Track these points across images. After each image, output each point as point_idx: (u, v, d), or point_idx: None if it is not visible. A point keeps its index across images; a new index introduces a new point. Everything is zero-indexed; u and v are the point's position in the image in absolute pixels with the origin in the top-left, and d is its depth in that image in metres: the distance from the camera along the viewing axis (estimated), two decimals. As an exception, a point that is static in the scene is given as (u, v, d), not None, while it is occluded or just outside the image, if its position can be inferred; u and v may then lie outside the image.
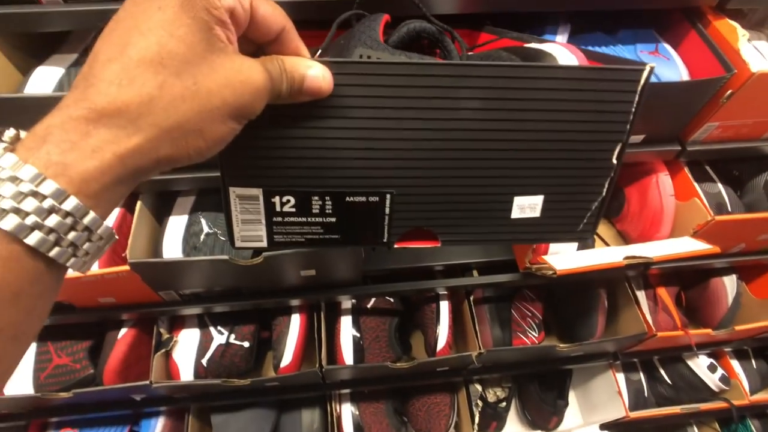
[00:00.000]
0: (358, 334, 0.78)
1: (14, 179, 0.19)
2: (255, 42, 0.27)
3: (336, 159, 0.32)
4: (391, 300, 0.80)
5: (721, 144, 0.68)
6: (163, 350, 0.73)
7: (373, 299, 0.79)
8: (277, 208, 0.35)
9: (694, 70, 0.62)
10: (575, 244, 0.71)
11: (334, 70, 0.28)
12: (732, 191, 0.78)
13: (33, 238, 0.20)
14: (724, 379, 0.94)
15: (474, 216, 0.37)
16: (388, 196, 0.34)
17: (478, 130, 0.32)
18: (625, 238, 0.79)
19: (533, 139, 0.33)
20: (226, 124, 0.24)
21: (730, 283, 0.85)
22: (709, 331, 0.82)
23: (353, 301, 0.78)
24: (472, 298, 0.79)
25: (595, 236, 0.80)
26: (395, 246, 0.38)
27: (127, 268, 0.56)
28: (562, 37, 0.60)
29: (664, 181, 0.71)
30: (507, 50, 0.40)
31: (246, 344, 0.76)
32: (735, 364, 0.99)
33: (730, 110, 0.62)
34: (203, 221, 0.64)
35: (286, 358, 0.75)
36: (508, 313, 0.81)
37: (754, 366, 1.01)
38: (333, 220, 0.36)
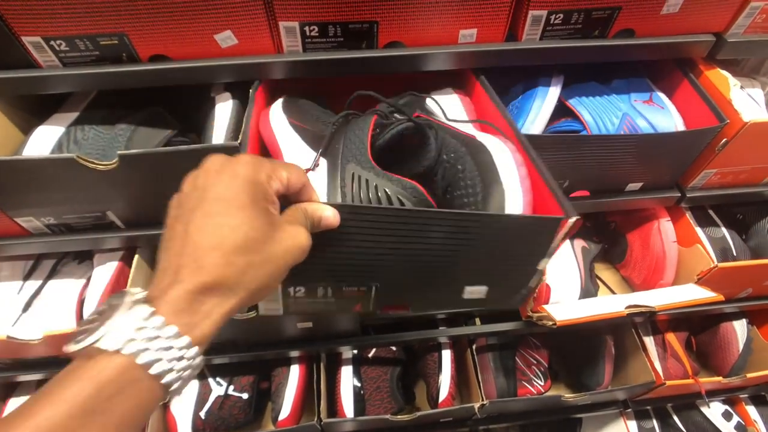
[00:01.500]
0: (359, 384, 0.77)
1: (159, 336, 0.26)
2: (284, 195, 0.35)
3: (338, 264, 0.40)
4: (393, 348, 0.79)
5: (721, 190, 0.68)
6: (160, 403, 0.72)
7: (374, 348, 0.78)
8: (291, 294, 0.42)
9: (688, 118, 0.63)
10: (577, 292, 0.70)
11: (340, 210, 0.36)
12: (736, 235, 0.77)
13: (167, 378, 0.27)
14: (740, 427, 0.91)
15: (435, 297, 0.46)
16: (374, 287, 0.43)
17: (440, 249, 0.40)
18: (630, 285, 0.78)
19: (481, 254, 0.42)
20: (284, 274, 0.32)
21: (740, 328, 0.83)
22: (720, 379, 0.80)
23: (354, 351, 0.77)
24: (475, 347, 0.77)
25: (600, 282, 0.79)
26: (378, 312, 0.46)
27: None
28: (555, 88, 0.61)
29: (665, 227, 0.70)
30: (455, 137, 0.47)
31: (245, 395, 0.75)
32: (751, 410, 0.95)
33: (726, 158, 0.62)
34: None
35: (285, 411, 0.73)
36: (512, 361, 0.79)
37: (773, 412, 0.97)
38: (333, 300, 0.44)
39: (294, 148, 0.48)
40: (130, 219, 0.57)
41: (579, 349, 0.84)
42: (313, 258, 0.33)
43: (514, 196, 0.41)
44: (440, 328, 0.77)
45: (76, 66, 0.49)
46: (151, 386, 0.26)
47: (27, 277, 0.65)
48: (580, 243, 0.73)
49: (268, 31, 0.49)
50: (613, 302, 0.65)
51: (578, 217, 0.38)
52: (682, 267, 0.72)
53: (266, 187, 0.31)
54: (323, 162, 0.46)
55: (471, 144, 0.45)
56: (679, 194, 0.67)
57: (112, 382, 0.25)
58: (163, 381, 0.26)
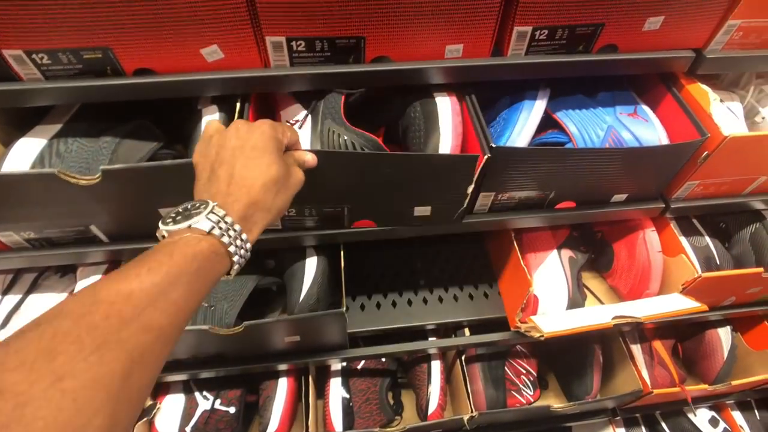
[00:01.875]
0: (348, 396, 0.76)
1: (230, 230, 0.37)
2: None
3: (319, 192, 0.54)
4: (383, 360, 0.79)
5: (704, 200, 0.69)
6: (146, 418, 0.71)
7: (363, 360, 0.77)
8: (286, 215, 0.57)
9: (671, 131, 0.64)
10: (565, 302, 0.70)
11: (317, 155, 0.49)
12: (719, 244, 0.78)
13: (236, 257, 0.37)
14: (726, 433, 0.92)
15: (392, 214, 0.60)
16: (346, 207, 0.58)
17: (391, 180, 0.54)
18: (617, 294, 0.79)
19: (422, 183, 0.56)
20: (292, 199, 0.45)
21: (725, 335, 0.85)
22: (706, 386, 0.81)
23: (343, 363, 0.76)
24: (464, 357, 0.77)
25: (588, 291, 0.80)
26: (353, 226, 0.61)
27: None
28: (541, 101, 0.62)
29: (651, 237, 0.71)
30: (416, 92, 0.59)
31: (232, 410, 0.74)
32: (737, 415, 0.97)
33: (708, 170, 0.63)
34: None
35: (273, 425, 0.72)
36: (501, 371, 0.79)
37: (758, 417, 0.98)
38: (316, 218, 0.59)
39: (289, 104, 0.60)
40: (114, 232, 0.57)
41: (567, 358, 0.85)
42: (302, 189, 0.45)
43: (446, 138, 0.55)
44: (429, 339, 0.77)
45: (58, 79, 0.49)
46: (226, 261, 0.36)
47: (6, 291, 0.64)
48: (567, 253, 0.74)
49: (255, 46, 0.49)
50: (600, 313, 0.66)
51: (489, 155, 0.53)
52: (667, 276, 0.73)
53: (282, 141, 0.44)
54: (309, 118, 0.59)
55: (424, 98, 0.58)
56: (664, 205, 0.68)
57: (205, 252, 0.34)
58: (234, 258, 0.37)
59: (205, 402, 0.72)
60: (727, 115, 0.67)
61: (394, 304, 0.74)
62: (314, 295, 0.61)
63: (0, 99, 0.48)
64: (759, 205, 0.74)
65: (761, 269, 0.69)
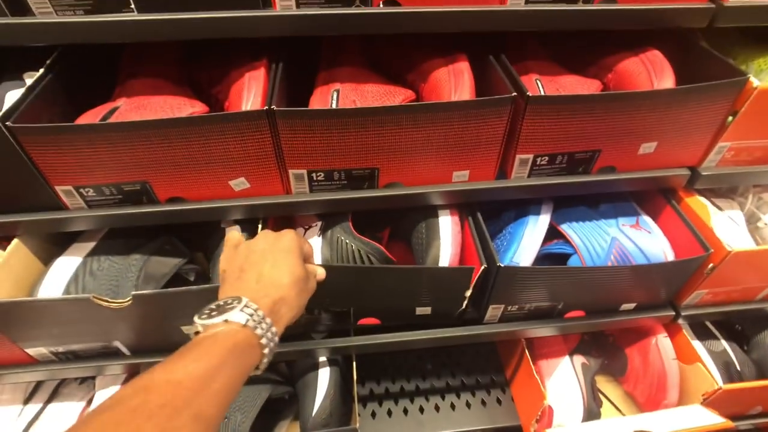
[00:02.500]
0: None
1: (262, 323, 0.39)
2: None
3: (327, 297, 0.58)
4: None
5: (716, 307, 0.69)
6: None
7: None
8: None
9: (674, 242, 0.66)
10: (580, 413, 0.69)
11: (327, 270, 0.53)
12: (738, 347, 0.77)
13: (267, 350, 0.39)
14: None
15: (395, 314, 0.63)
16: (351, 309, 0.61)
17: (394, 287, 0.59)
18: (634, 401, 0.77)
19: (423, 289, 0.59)
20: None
21: (754, 445, 0.80)
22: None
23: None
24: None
25: (603, 397, 0.78)
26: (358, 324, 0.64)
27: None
28: (545, 216, 0.65)
29: (663, 343, 0.71)
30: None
31: None
32: None
33: (716, 280, 0.64)
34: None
35: None
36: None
37: None
38: (325, 317, 0.62)
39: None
40: (136, 346, 0.59)
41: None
42: (312, 295, 0.50)
43: (446, 248, 0.60)
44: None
45: (100, 207, 0.54)
46: (258, 351, 0.38)
47: (27, 400, 0.65)
48: (579, 359, 0.73)
49: (278, 177, 0.54)
50: (617, 427, 0.64)
51: (471, 268, 0.57)
52: (685, 384, 0.71)
53: (304, 248, 0.49)
54: (320, 225, 0.65)
55: (430, 212, 0.64)
56: (674, 313, 0.68)
57: (242, 344, 0.37)
58: (265, 351, 0.39)
59: None
60: (728, 225, 0.69)
61: (405, 411, 0.73)
62: (327, 408, 0.61)
63: (48, 226, 0.53)
64: (773, 311, 0.74)
65: (785, 379, 0.68)
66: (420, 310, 0.63)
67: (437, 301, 0.61)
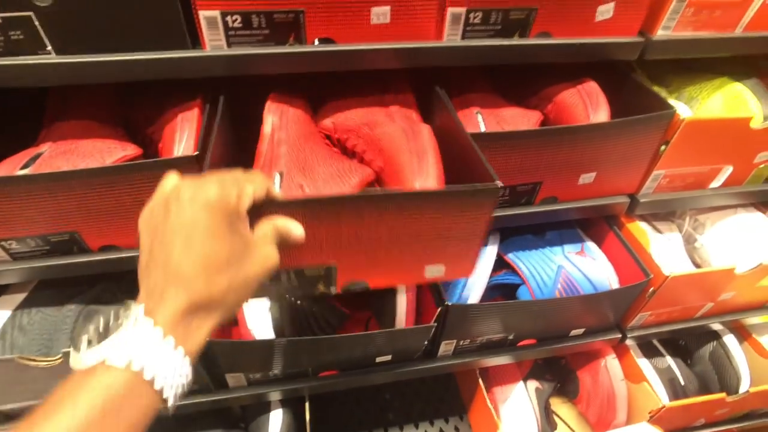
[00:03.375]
0: None
1: (159, 347, 0.29)
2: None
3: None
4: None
5: (659, 327, 0.72)
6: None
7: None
8: None
9: (617, 266, 0.68)
10: (536, 439, 0.70)
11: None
12: (682, 363, 0.80)
13: (167, 393, 0.29)
14: None
15: (355, 365, 0.57)
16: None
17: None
18: (586, 422, 0.79)
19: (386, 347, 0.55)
20: (258, 287, 0.35)
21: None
22: None
23: None
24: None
25: (557, 419, 0.79)
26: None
27: None
28: (492, 247, 0.66)
29: (612, 365, 0.73)
30: None
31: None
32: None
33: (656, 302, 0.67)
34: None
35: None
36: None
37: None
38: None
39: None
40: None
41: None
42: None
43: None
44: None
45: (26, 260, 0.51)
46: (153, 397, 0.29)
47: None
48: (533, 384, 0.74)
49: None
50: (570, 451, 0.65)
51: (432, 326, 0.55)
52: (633, 403, 0.73)
53: (237, 207, 0.33)
54: None
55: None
56: (620, 335, 0.70)
57: (122, 394, 0.28)
58: (164, 395, 0.29)
59: None
60: (667, 248, 0.72)
61: (364, 445, 0.72)
62: (278, 453, 0.60)
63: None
64: (713, 327, 0.77)
65: (723, 395, 0.71)
66: (380, 359, 0.62)
67: (397, 351, 0.60)
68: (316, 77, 0.62)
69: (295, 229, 0.39)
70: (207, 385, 0.56)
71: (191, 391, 0.58)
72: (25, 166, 0.48)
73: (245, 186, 0.34)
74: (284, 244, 0.38)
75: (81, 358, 0.29)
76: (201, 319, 0.31)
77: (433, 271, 0.49)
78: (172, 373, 0.29)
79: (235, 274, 0.32)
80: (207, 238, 0.31)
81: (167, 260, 0.31)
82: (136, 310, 0.30)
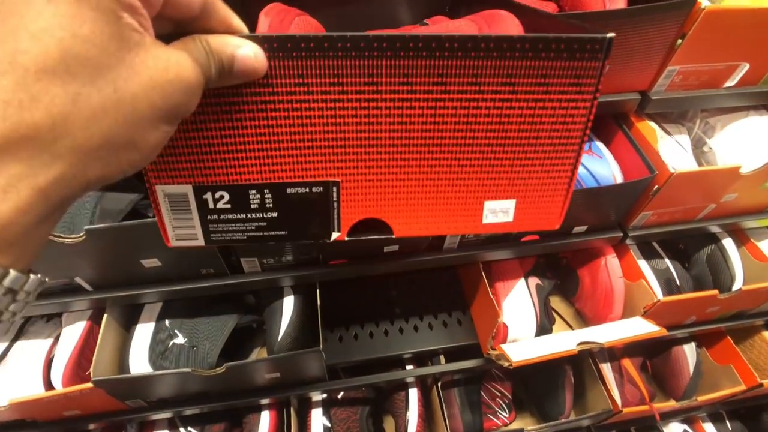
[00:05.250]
0: (329, 425, 0.79)
1: None
2: (173, 20, 0.23)
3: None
4: (362, 389, 0.82)
5: (660, 228, 0.74)
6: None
7: (343, 390, 0.80)
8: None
9: (624, 166, 0.69)
10: (533, 329, 0.74)
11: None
12: (679, 265, 0.83)
13: None
14: (699, 446, 0.96)
15: (364, 254, 0.40)
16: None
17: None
18: (583, 318, 0.83)
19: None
20: (159, 130, 0.21)
21: (690, 351, 0.89)
22: (673, 403, 0.85)
23: (324, 394, 0.79)
24: (440, 383, 0.81)
25: (556, 315, 0.84)
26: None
27: (90, 385, 0.58)
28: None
29: (612, 263, 0.76)
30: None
31: (216, 443, 0.77)
32: (709, 427, 1.01)
33: (660, 201, 0.68)
34: (169, 327, 0.66)
35: (257, 457, 0.75)
36: (477, 395, 0.83)
37: (729, 428, 1.02)
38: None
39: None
40: (97, 282, 0.59)
41: (540, 380, 0.88)
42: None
43: None
44: (407, 367, 0.81)
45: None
46: None
47: (-7, 339, 0.66)
48: (534, 280, 0.78)
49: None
50: (565, 340, 0.70)
51: None
52: (629, 300, 0.77)
53: None
54: None
55: None
56: (622, 234, 0.72)
57: None
58: None
59: (190, 437, 0.75)
60: (674, 149, 0.72)
61: (371, 334, 0.77)
62: (291, 334, 0.64)
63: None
64: (712, 229, 0.79)
65: (715, 292, 0.74)
66: (388, 248, 0.62)
67: (404, 240, 0.60)
68: None
69: (245, 49, 0.25)
70: (223, 269, 0.60)
71: (208, 275, 0.61)
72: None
73: None
74: (229, 77, 0.24)
75: None
76: (16, 174, 0.17)
77: (497, 213, 0.35)
78: None
79: (88, 83, 0.18)
80: (42, 20, 0.17)
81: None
82: None
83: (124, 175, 0.21)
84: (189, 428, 0.76)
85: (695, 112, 0.76)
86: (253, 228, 0.33)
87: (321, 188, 0.32)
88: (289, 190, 0.31)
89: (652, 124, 0.68)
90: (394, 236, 0.35)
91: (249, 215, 0.33)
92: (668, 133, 0.74)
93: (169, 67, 0.21)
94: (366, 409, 0.81)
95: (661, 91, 0.64)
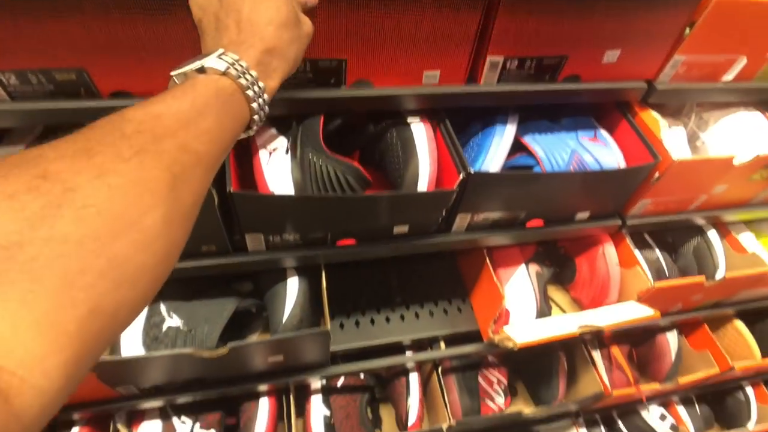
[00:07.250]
0: (329, 413, 0.72)
1: (246, 74, 0.31)
2: None
3: (306, 221, 0.53)
4: (361, 376, 0.75)
5: (656, 217, 0.71)
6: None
7: (342, 377, 0.74)
8: (271, 241, 0.54)
9: (627, 154, 0.65)
10: (533, 315, 0.70)
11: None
12: (668, 256, 0.81)
13: (254, 104, 0.32)
14: (673, 428, 0.94)
15: (372, 235, 0.57)
16: (330, 232, 0.55)
17: (375, 214, 0.53)
18: (579, 305, 0.79)
19: (405, 211, 0.55)
20: (304, 53, 0.38)
21: (672, 339, 0.87)
22: (657, 385, 0.82)
23: (323, 381, 0.72)
24: (440, 369, 0.75)
25: (552, 303, 0.79)
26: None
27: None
28: (511, 126, 0.61)
29: (609, 251, 0.72)
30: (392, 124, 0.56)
31: (210, 432, 0.68)
32: (681, 410, 0.99)
33: (659, 189, 0.65)
34: (164, 310, 0.58)
35: (254, 446, 0.67)
36: (475, 381, 0.78)
37: (698, 411, 1.01)
38: (301, 241, 0.55)
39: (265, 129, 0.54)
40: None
41: (535, 366, 0.84)
42: (290, 216, 0.46)
43: (425, 164, 0.54)
44: (407, 353, 0.75)
45: (26, 100, 0.44)
46: (244, 106, 0.32)
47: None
48: (534, 267, 0.73)
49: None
50: (566, 322, 0.65)
51: (455, 190, 0.53)
52: (624, 286, 0.73)
53: None
54: (287, 144, 0.53)
55: (400, 124, 0.56)
56: (621, 222, 0.69)
57: (226, 92, 0.30)
58: (253, 105, 0.32)
59: (183, 427, 0.66)
60: (675, 140, 0.69)
61: (372, 321, 0.71)
62: (297, 315, 0.57)
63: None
64: (700, 221, 0.77)
65: (702, 278, 0.71)
66: (397, 230, 0.58)
67: (416, 220, 0.57)
68: None
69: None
70: (225, 246, 0.52)
71: (209, 252, 0.54)
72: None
73: None
74: (305, 9, 0.40)
75: (178, 71, 0.31)
76: (275, 65, 0.34)
77: (430, 77, 0.51)
78: (259, 95, 0.32)
79: (293, 31, 0.35)
80: (279, 3, 0.34)
81: (238, 17, 0.33)
82: (219, 51, 0.31)
83: (290, 74, 0.38)
84: (182, 417, 0.68)
85: (691, 106, 0.73)
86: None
87: None
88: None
89: (655, 113, 0.65)
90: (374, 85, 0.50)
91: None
92: (667, 125, 0.70)
93: (308, 24, 0.38)
94: (365, 396, 0.74)
95: (665, 80, 0.60)
